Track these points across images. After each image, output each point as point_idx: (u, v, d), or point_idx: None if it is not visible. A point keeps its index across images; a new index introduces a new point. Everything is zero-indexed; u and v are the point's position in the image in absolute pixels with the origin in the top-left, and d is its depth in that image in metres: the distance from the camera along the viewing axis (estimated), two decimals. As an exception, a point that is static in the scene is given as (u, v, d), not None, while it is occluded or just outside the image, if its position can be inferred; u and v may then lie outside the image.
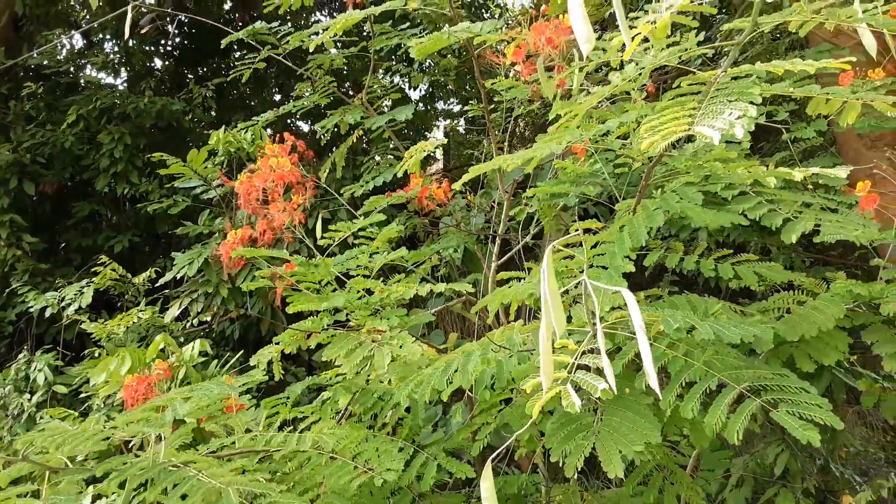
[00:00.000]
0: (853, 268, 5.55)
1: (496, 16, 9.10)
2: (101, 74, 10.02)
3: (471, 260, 5.39)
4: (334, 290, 2.75)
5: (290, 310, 2.63)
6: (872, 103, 1.72)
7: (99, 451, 2.46)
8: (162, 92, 9.64)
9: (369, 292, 2.74)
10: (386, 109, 5.10)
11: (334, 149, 4.75)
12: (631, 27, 1.53)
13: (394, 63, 7.77)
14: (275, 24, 4.27)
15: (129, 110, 8.40)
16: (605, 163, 2.82)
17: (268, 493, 2.02)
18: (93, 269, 6.78)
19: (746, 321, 2.05)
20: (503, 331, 2.23)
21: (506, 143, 4.42)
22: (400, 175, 3.87)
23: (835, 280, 2.55)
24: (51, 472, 2.08)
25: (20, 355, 6.52)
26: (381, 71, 7.06)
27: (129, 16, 4.31)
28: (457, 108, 9.98)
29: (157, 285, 6.80)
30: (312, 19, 10.60)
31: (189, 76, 10.41)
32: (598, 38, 2.63)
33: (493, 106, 4.35)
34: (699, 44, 1.87)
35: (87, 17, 9.83)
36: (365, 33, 4.44)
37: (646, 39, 1.68)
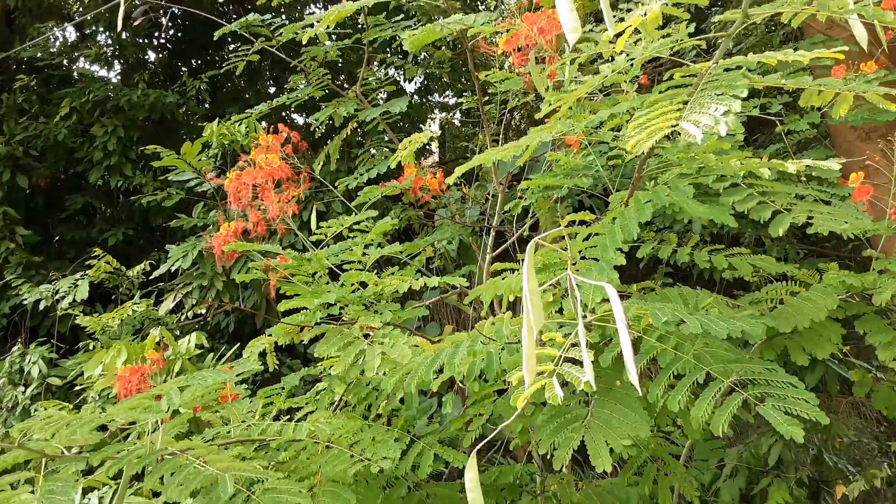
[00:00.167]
0: (847, 259, 5.58)
1: (491, 7, 9.07)
2: (95, 67, 9.96)
3: (466, 252, 5.39)
4: (327, 283, 2.74)
5: (281, 308, 2.63)
6: (864, 95, 1.73)
7: (94, 444, 2.46)
8: (155, 84, 9.59)
9: (363, 285, 2.74)
10: (381, 102, 5.09)
11: (329, 141, 4.74)
12: (622, 19, 1.53)
13: (388, 55, 7.74)
14: (268, 16, 4.25)
15: (123, 103, 8.36)
16: (599, 155, 2.82)
17: (265, 479, 2.02)
18: (87, 262, 6.77)
19: (736, 314, 2.05)
20: (492, 322, 2.23)
21: (501, 136, 4.42)
22: (394, 166, 3.87)
23: (827, 271, 2.56)
24: (47, 459, 2.07)
25: (14, 348, 6.51)
26: (375, 63, 7.04)
27: (122, 8, 4.29)
28: (452, 101, 9.96)
29: (151, 278, 6.79)
30: (307, 12, 10.55)
31: (183, 69, 10.35)
32: (591, 30, 2.62)
33: (487, 98, 4.34)
34: (691, 35, 1.86)
35: (80, 9, 9.77)
36: (359, 25, 4.42)
37: (638, 31, 1.68)
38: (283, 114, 9.51)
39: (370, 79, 4.84)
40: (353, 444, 2.51)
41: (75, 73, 9.61)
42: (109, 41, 10.11)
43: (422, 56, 7.88)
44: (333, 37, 4.69)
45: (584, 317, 1.94)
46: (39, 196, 8.98)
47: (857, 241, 2.77)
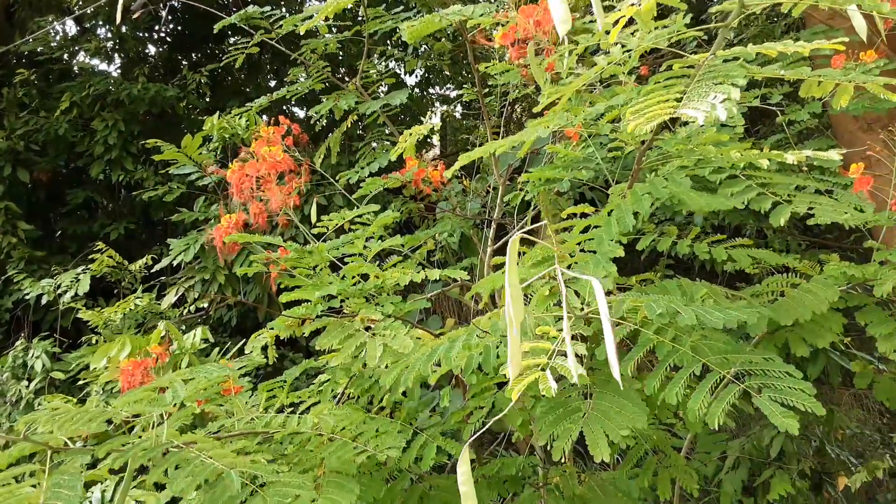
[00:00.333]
0: (849, 250, 5.57)
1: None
2: (95, 61, 9.95)
3: (467, 245, 5.39)
4: (328, 276, 2.75)
5: (282, 299, 2.63)
6: (865, 85, 1.72)
7: (97, 437, 2.46)
8: (156, 78, 9.58)
9: (364, 278, 2.74)
10: (381, 94, 5.07)
11: (330, 135, 4.73)
12: (617, 9, 1.52)
13: (389, 48, 7.72)
14: (268, 8, 4.24)
15: (123, 97, 8.35)
16: (599, 147, 2.81)
17: (270, 473, 2.03)
18: (89, 257, 6.78)
19: (733, 305, 2.05)
20: (490, 316, 2.23)
21: (502, 128, 4.41)
22: (395, 159, 3.86)
23: (828, 262, 2.55)
24: (53, 452, 2.08)
25: (17, 342, 6.53)
26: (375, 56, 7.03)
27: (121, 1, 4.28)
28: (453, 94, 9.94)
29: (153, 272, 6.80)
30: (307, 4, 10.52)
31: (183, 62, 10.35)
32: (590, 21, 2.61)
33: (487, 90, 4.33)
34: (690, 26, 1.85)
35: (80, 2, 9.74)
36: (359, 18, 4.42)
37: (635, 22, 1.67)
38: (284, 107, 9.50)
39: (370, 71, 4.82)
40: (357, 436, 2.52)
41: (75, 67, 9.60)
42: (109, 35, 10.09)
43: (422, 48, 7.86)
44: (334, 29, 4.68)
45: (581, 310, 1.94)
46: (41, 191, 8.99)
47: (859, 233, 2.76)
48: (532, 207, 3.96)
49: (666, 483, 2.97)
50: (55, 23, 9.72)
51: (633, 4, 1.54)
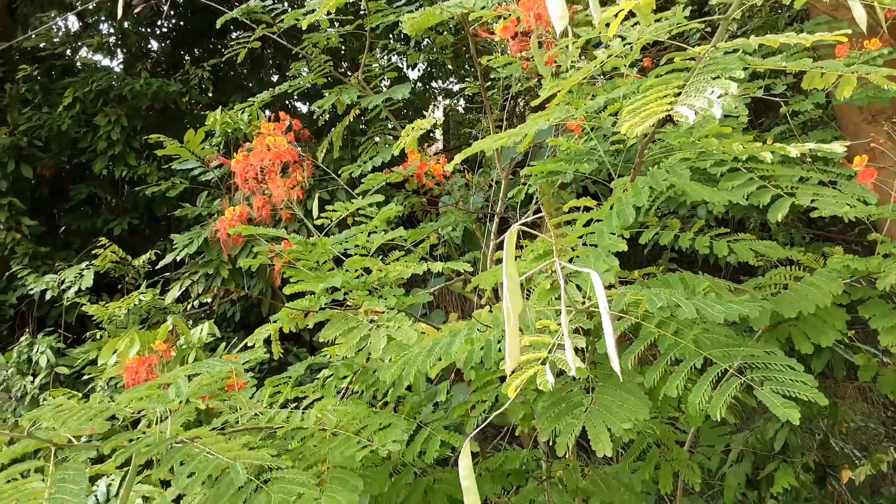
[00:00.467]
0: (853, 243, 5.55)
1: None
2: (97, 56, 9.96)
3: (470, 239, 5.39)
4: (331, 270, 2.75)
5: (287, 291, 2.63)
6: (868, 76, 1.71)
7: (103, 433, 2.47)
8: (158, 73, 9.58)
9: (367, 271, 2.74)
10: (384, 89, 5.06)
11: (332, 129, 4.73)
12: (617, 3, 1.51)
13: (391, 42, 7.70)
14: (269, 1, 4.23)
15: (126, 92, 8.36)
16: (602, 140, 2.80)
17: (275, 468, 2.03)
18: (93, 252, 6.79)
19: (735, 299, 2.04)
20: (490, 310, 2.23)
21: (505, 122, 4.40)
22: (397, 153, 3.86)
23: (832, 255, 2.54)
24: (57, 448, 2.08)
25: (22, 338, 6.56)
26: (378, 50, 7.01)
27: (122, -4, 4.27)
28: (456, 88, 9.92)
29: (157, 268, 6.82)
30: (309, -2, 10.48)
31: (185, 57, 10.34)
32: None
33: (490, 83, 4.32)
34: (691, 18, 1.84)
35: (82, -2, 9.76)
36: (361, 12, 4.40)
37: (635, 15, 1.66)
38: (287, 102, 9.50)
39: (373, 65, 4.81)
40: (361, 430, 2.52)
41: (78, 63, 9.61)
42: (112, 30, 10.10)
43: (424, 42, 7.84)
44: (336, 23, 4.67)
45: (583, 304, 1.93)
46: (44, 186, 9.01)
47: (863, 225, 2.74)
48: (535, 201, 3.96)
49: (668, 476, 2.97)
50: (57, 18, 9.72)
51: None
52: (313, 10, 3.59)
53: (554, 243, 1.70)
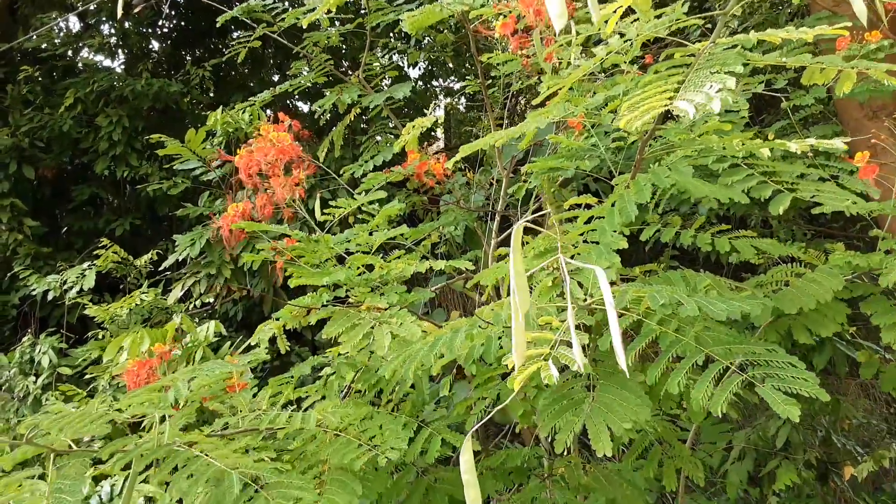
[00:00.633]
0: (855, 240, 5.54)
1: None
2: (98, 57, 9.97)
3: (471, 237, 5.39)
4: (334, 267, 2.75)
5: (291, 283, 2.63)
6: (868, 71, 1.70)
7: (104, 434, 2.47)
8: (159, 73, 9.59)
9: (369, 268, 2.74)
10: (385, 87, 5.06)
11: (333, 128, 4.72)
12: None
13: (391, 40, 7.70)
14: (270, 0, 4.23)
15: (127, 92, 8.36)
16: (603, 137, 2.79)
17: (272, 475, 2.03)
18: (94, 253, 6.80)
19: (735, 296, 2.04)
20: (492, 307, 2.23)
21: (506, 120, 4.39)
22: (398, 151, 3.86)
23: (834, 251, 2.54)
24: (56, 454, 2.08)
25: (24, 338, 6.57)
26: (378, 48, 7.01)
27: (123, -4, 4.27)
28: (457, 86, 9.91)
29: (159, 268, 6.82)
30: (309, -3, 10.47)
31: (186, 57, 10.35)
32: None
33: (490, 81, 4.31)
34: (690, 14, 1.84)
35: (83, -2, 9.76)
36: (362, 10, 4.40)
37: (634, 11, 1.66)
38: (288, 101, 9.50)
39: (373, 64, 4.81)
40: (362, 432, 2.52)
41: (79, 64, 9.62)
42: (113, 31, 10.10)
43: (425, 40, 7.84)
44: (336, 22, 4.67)
45: (584, 300, 1.93)
46: (46, 187, 9.02)
47: (865, 221, 2.74)
48: (536, 199, 3.95)
49: (671, 473, 2.97)
50: (58, 19, 9.73)
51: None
52: (313, 9, 3.59)
53: (559, 239, 1.70)
